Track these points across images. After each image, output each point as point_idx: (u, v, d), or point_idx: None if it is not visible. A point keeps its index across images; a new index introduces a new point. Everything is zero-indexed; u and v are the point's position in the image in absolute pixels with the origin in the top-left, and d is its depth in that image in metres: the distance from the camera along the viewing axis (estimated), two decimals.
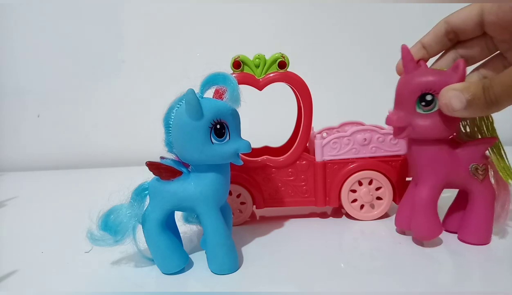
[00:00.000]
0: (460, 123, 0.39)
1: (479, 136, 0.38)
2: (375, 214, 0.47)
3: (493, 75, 0.32)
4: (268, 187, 0.47)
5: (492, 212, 0.38)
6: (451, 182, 0.38)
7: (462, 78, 0.34)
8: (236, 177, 0.46)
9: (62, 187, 0.77)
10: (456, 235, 0.40)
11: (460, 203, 0.41)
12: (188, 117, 0.33)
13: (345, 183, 0.46)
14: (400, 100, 0.38)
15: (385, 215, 0.47)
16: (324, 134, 0.53)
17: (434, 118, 0.36)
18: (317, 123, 0.49)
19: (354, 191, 0.46)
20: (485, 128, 0.38)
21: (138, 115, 0.87)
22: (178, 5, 0.86)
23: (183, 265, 0.36)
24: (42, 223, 0.54)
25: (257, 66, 0.44)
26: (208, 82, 0.35)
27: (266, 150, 0.52)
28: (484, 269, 0.34)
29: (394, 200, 0.47)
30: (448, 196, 0.42)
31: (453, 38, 0.39)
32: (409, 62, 0.37)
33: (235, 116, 0.36)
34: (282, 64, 0.43)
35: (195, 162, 0.35)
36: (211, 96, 0.37)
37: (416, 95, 0.36)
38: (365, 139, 0.45)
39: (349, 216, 0.48)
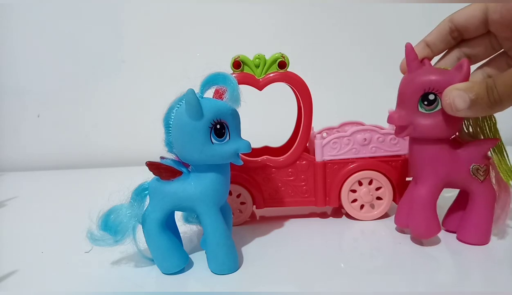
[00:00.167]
0: (463, 123, 0.39)
1: (482, 137, 0.38)
2: (375, 214, 0.47)
3: (497, 75, 0.32)
4: (268, 187, 0.47)
5: (492, 212, 0.38)
6: (451, 182, 0.38)
7: (466, 78, 0.34)
8: (236, 177, 0.46)
9: (62, 187, 0.77)
10: (455, 234, 0.40)
11: (461, 203, 0.41)
12: (188, 117, 0.33)
13: (345, 183, 0.46)
14: (402, 99, 0.38)
15: (385, 215, 0.47)
16: (324, 134, 0.53)
17: (436, 118, 0.36)
18: (317, 123, 0.49)
19: (354, 191, 0.46)
20: (487, 129, 0.38)
21: (138, 115, 0.87)
22: (178, 5, 0.86)
23: (183, 265, 0.36)
24: (42, 223, 0.54)
25: (257, 66, 0.44)
26: (208, 82, 0.35)
27: (266, 150, 0.52)
28: (484, 269, 0.34)
29: (394, 200, 0.47)
30: (449, 195, 0.42)
31: (457, 37, 0.39)
32: (413, 61, 0.37)
33: (235, 116, 0.36)
34: (282, 64, 0.43)
35: (195, 162, 0.35)
36: (211, 96, 0.37)
37: (418, 95, 0.36)
38: (365, 139, 0.45)
39: (349, 216, 0.48)
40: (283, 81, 0.44)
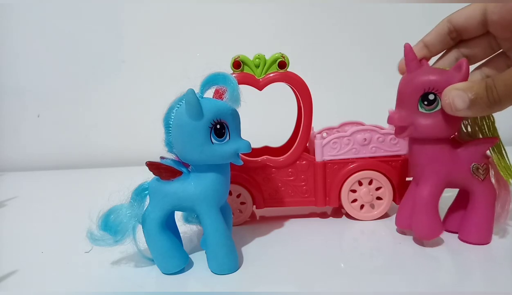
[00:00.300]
0: (462, 123, 0.39)
1: (481, 136, 0.38)
2: (375, 214, 0.47)
3: (496, 75, 0.32)
4: (268, 187, 0.47)
5: (492, 211, 0.38)
6: (452, 181, 0.38)
7: (465, 78, 0.34)
8: (236, 177, 0.46)
9: (62, 187, 0.77)
10: (456, 234, 0.40)
11: (461, 203, 0.41)
12: (188, 117, 0.33)
13: (345, 183, 0.46)
14: (402, 99, 0.38)
15: (385, 215, 0.47)
16: (324, 134, 0.53)
17: (436, 118, 0.36)
18: (317, 123, 0.49)
19: (354, 191, 0.46)
20: (486, 128, 0.38)
21: (138, 115, 0.86)
22: (178, 5, 0.86)
23: (183, 265, 0.36)
24: (42, 223, 0.54)
25: (257, 66, 0.44)
26: (208, 82, 0.35)
27: (266, 150, 0.52)
28: (484, 269, 0.34)
29: (394, 200, 0.47)
30: (448, 195, 0.42)
31: (455, 37, 0.39)
32: (412, 61, 0.37)
33: (235, 116, 0.36)
34: (282, 64, 0.43)
35: (195, 162, 0.35)
36: (211, 96, 0.37)
37: (418, 95, 0.36)
38: (365, 139, 0.45)
39: (349, 216, 0.48)
40: (283, 81, 0.44)
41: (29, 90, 0.91)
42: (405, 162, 0.46)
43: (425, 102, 0.36)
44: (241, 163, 0.36)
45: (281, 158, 0.46)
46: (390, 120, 0.38)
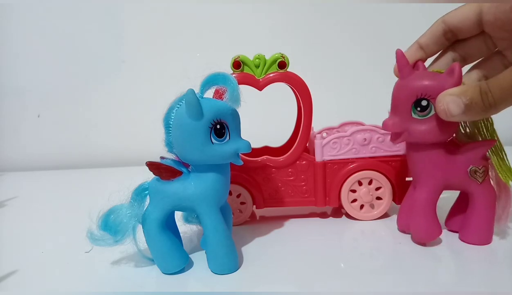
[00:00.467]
0: (460, 124, 0.38)
1: (479, 138, 0.38)
2: (375, 214, 0.47)
3: (491, 79, 0.32)
4: (268, 187, 0.47)
5: (492, 213, 0.38)
6: (450, 184, 0.38)
7: (458, 82, 0.34)
8: (236, 177, 0.46)
9: (62, 187, 0.77)
10: (457, 234, 0.40)
11: (462, 203, 0.41)
12: (188, 117, 0.33)
13: (345, 183, 0.46)
14: (396, 105, 0.38)
15: (385, 215, 0.47)
16: (324, 134, 0.53)
17: (430, 123, 0.36)
18: (317, 123, 0.49)
19: (354, 191, 0.46)
20: (485, 130, 0.38)
21: (138, 115, 0.86)
22: (178, 5, 0.86)
23: (183, 265, 0.36)
24: (42, 223, 0.54)
25: (257, 67, 0.44)
26: (208, 82, 0.35)
27: (266, 150, 0.52)
28: (484, 269, 0.34)
29: (394, 200, 0.47)
30: (449, 196, 0.42)
31: (451, 38, 0.38)
32: (404, 67, 0.37)
33: (235, 116, 0.36)
34: (282, 64, 0.43)
35: (195, 162, 0.35)
36: (211, 96, 0.37)
37: (411, 101, 0.36)
38: (365, 139, 0.45)
39: (349, 216, 0.48)
40: (283, 81, 0.44)
41: (29, 90, 0.91)
42: (405, 161, 0.46)
43: (418, 109, 0.36)
44: (241, 163, 0.36)
45: (281, 158, 0.46)
46: (384, 126, 0.38)
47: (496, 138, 0.38)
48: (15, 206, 0.63)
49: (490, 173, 0.38)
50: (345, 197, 0.46)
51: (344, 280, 0.34)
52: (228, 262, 0.36)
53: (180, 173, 0.35)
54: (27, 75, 0.91)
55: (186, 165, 0.36)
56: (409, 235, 0.41)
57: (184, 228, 0.43)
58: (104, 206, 0.35)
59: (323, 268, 0.36)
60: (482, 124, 0.38)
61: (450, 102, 0.33)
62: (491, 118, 0.38)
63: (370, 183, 0.46)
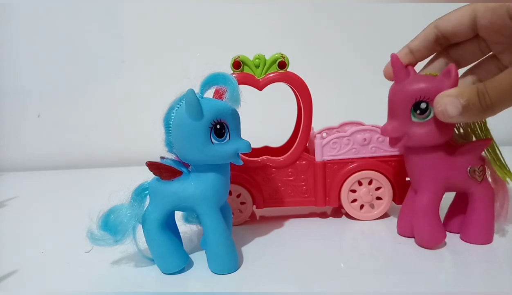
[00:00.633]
0: (455, 125, 0.39)
1: (474, 137, 0.38)
2: (375, 214, 0.47)
3: (487, 81, 0.32)
4: (268, 187, 0.47)
5: (492, 211, 0.38)
6: (450, 186, 0.38)
7: (455, 83, 0.34)
8: (236, 177, 0.46)
9: (62, 187, 0.77)
10: (456, 234, 0.40)
11: (459, 204, 0.41)
12: (188, 117, 0.33)
13: (345, 183, 0.46)
14: (393, 110, 0.37)
15: (385, 215, 0.47)
16: (324, 134, 0.53)
17: (429, 126, 0.36)
18: (317, 123, 0.49)
19: (354, 191, 0.46)
20: (478, 129, 0.38)
21: (138, 115, 0.87)
22: (178, 5, 0.86)
23: (183, 265, 0.36)
24: (42, 223, 0.54)
25: (257, 67, 0.44)
26: (208, 82, 0.35)
27: (266, 150, 0.52)
28: (484, 269, 0.34)
29: (394, 200, 0.47)
30: (445, 197, 0.42)
31: (443, 43, 0.38)
32: (400, 71, 0.37)
33: (235, 116, 0.36)
34: (282, 64, 0.43)
35: (195, 162, 0.35)
36: (211, 96, 0.37)
37: (410, 104, 0.36)
38: (365, 139, 0.45)
39: (349, 216, 0.48)
40: (283, 81, 0.44)
41: (29, 90, 0.91)
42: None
43: (418, 112, 0.36)
44: (241, 163, 0.36)
45: (281, 158, 0.46)
46: (383, 132, 0.38)
47: (490, 137, 0.38)
48: (15, 206, 0.63)
49: (487, 171, 0.38)
50: (345, 197, 0.46)
51: (344, 280, 0.34)
52: (228, 262, 0.36)
53: (180, 173, 0.35)
54: (27, 75, 0.91)
55: (186, 165, 0.36)
56: (410, 238, 0.41)
57: (184, 228, 0.43)
58: (104, 206, 0.35)
59: (323, 268, 0.36)
60: (476, 124, 0.38)
61: (448, 104, 0.33)
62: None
63: (370, 183, 0.46)
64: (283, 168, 0.46)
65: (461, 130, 0.39)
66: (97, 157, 0.93)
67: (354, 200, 0.47)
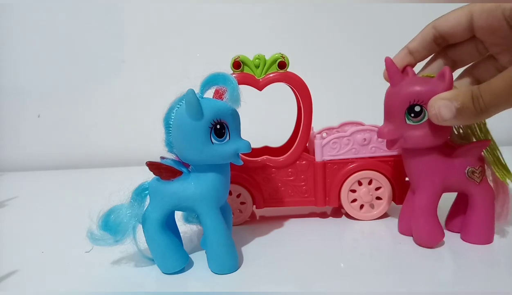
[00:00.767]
0: (454, 126, 0.39)
1: (473, 138, 0.38)
2: (375, 214, 0.47)
3: (482, 84, 0.32)
4: (268, 187, 0.47)
5: (492, 212, 0.38)
6: (449, 187, 0.38)
7: (450, 86, 0.34)
8: (236, 177, 0.46)
9: (62, 187, 0.77)
10: (457, 234, 0.40)
11: (461, 203, 0.41)
12: (188, 117, 0.33)
13: (345, 183, 0.46)
14: (389, 112, 0.38)
15: (385, 215, 0.47)
16: (324, 134, 0.53)
17: (424, 128, 0.36)
18: (317, 123, 0.49)
19: (353, 191, 0.46)
20: (478, 130, 0.38)
21: (138, 115, 0.86)
22: (178, 5, 0.86)
23: (183, 265, 0.36)
24: (42, 223, 0.54)
25: (257, 67, 0.44)
26: (208, 82, 0.35)
27: (266, 150, 0.52)
28: (484, 269, 0.34)
29: (393, 199, 0.47)
30: (448, 197, 0.42)
31: (441, 43, 0.38)
32: (395, 74, 0.37)
33: (235, 116, 0.36)
34: (282, 65, 0.43)
35: (195, 162, 0.35)
36: (211, 97, 0.37)
37: (404, 108, 0.36)
38: (364, 139, 0.45)
39: (349, 216, 0.48)
40: (283, 82, 0.44)
41: (29, 90, 0.91)
42: None
43: (412, 115, 0.36)
44: (241, 163, 0.36)
45: (281, 158, 0.46)
46: (379, 135, 0.38)
47: (490, 138, 0.38)
48: (15, 206, 0.63)
49: (486, 172, 0.38)
50: (345, 197, 0.46)
51: (344, 280, 0.34)
52: (228, 262, 0.36)
53: (180, 173, 0.35)
54: (27, 75, 0.91)
55: (186, 165, 0.36)
56: (409, 235, 0.41)
57: (184, 228, 0.43)
58: (104, 206, 0.35)
59: (323, 268, 0.36)
60: (475, 124, 0.38)
61: (441, 107, 0.33)
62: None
63: (370, 183, 0.46)
64: (283, 168, 0.46)
65: (461, 131, 0.39)
66: (97, 157, 0.93)
67: (354, 200, 0.47)
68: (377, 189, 0.46)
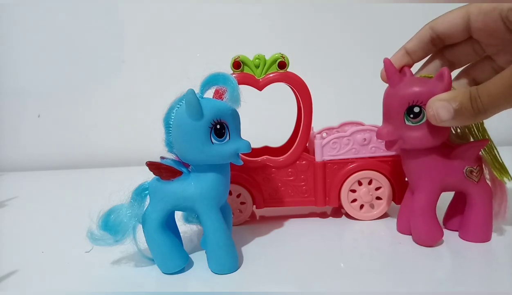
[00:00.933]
0: (450, 127, 0.39)
1: (471, 138, 0.39)
2: (375, 214, 0.47)
3: (480, 85, 0.32)
4: (268, 187, 0.47)
5: (490, 210, 0.38)
6: (447, 186, 0.38)
7: (448, 87, 0.34)
8: (236, 177, 0.46)
9: (62, 187, 0.77)
10: (455, 233, 0.41)
11: (459, 202, 0.41)
12: (188, 117, 0.33)
13: (345, 183, 0.46)
14: (388, 113, 0.38)
15: (385, 215, 0.47)
16: (324, 134, 0.53)
17: (423, 129, 0.36)
18: (317, 123, 0.49)
19: (353, 191, 0.46)
20: (475, 130, 0.38)
21: (138, 115, 0.86)
22: (178, 5, 0.86)
23: (183, 265, 0.36)
24: (42, 223, 0.54)
25: (257, 67, 0.44)
26: (208, 82, 0.35)
27: (266, 150, 0.52)
28: (484, 268, 0.34)
29: (393, 199, 0.47)
30: (445, 195, 0.42)
31: (438, 44, 0.38)
32: (393, 75, 0.37)
33: (235, 116, 0.36)
34: (282, 65, 0.43)
35: (195, 162, 0.35)
36: (211, 97, 0.37)
37: (403, 109, 0.36)
38: (364, 139, 0.45)
39: (349, 216, 0.48)
40: (283, 82, 0.44)
41: (29, 90, 0.91)
42: None
43: (411, 116, 0.36)
44: (241, 163, 0.36)
45: (281, 158, 0.46)
46: (378, 136, 0.38)
47: (487, 137, 0.38)
48: (15, 206, 0.63)
49: (484, 171, 0.39)
50: (345, 197, 0.47)
51: (344, 280, 0.34)
52: (228, 262, 0.36)
53: (180, 173, 0.35)
54: (27, 75, 0.91)
55: (186, 165, 0.36)
56: (409, 235, 0.41)
57: (184, 228, 0.43)
58: (104, 206, 0.35)
59: (323, 268, 0.36)
60: (473, 124, 0.38)
61: (440, 108, 0.33)
62: None
63: (370, 182, 0.46)
64: (283, 168, 0.46)
65: (459, 131, 0.39)
66: (97, 157, 0.93)
67: (354, 200, 0.47)
68: (377, 189, 0.46)
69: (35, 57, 0.89)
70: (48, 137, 0.93)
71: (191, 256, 0.39)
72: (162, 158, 0.37)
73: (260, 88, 0.44)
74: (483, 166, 0.38)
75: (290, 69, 0.44)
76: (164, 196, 0.35)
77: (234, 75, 0.43)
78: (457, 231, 0.41)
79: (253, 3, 0.85)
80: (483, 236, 0.39)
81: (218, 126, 0.34)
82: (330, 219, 0.48)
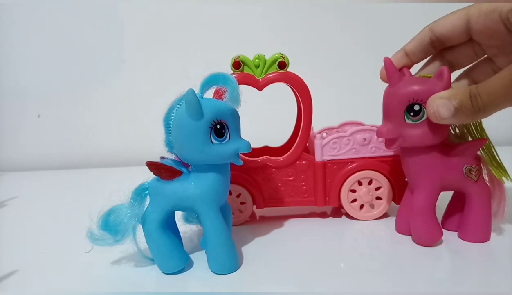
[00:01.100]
0: (450, 125, 0.39)
1: (469, 137, 0.39)
2: (375, 214, 0.47)
3: (480, 83, 0.32)
4: (268, 187, 0.47)
5: (489, 210, 0.39)
6: (446, 185, 0.38)
7: (448, 86, 0.35)
8: (236, 177, 0.46)
9: (62, 187, 0.77)
10: (455, 233, 0.41)
11: (457, 202, 0.41)
12: (188, 117, 0.33)
13: (345, 183, 0.46)
14: (388, 112, 0.38)
15: (385, 215, 0.47)
16: (324, 134, 0.53)
17: (423, 127, 0.36)
18: (317, 123, 0.49)
19: (353, 191, 0.46)
20: (474, 129, 0.39)
21: (138, 115, 0.87)
22: (178, 5, 0.86)
23: (183, 265, 0.36)
24: (42, 223, 0.54)
25: (257, 67, 0.44)
26: (208, 82, 0.35)
27: (266, 150, 0.52)
28: (484, 268, 0.34)
29: (393, 199, 0.47)
30: (444, 195, 0.42)
31: (438, 46, 0.38)
32: (394, 74, 0.37)
33: (235, 116, 0.36)
34: (282, 65, 0.43)
35: (195, 162, 0.35)
36: (211, 97, 0.37)
37: (403, 107, 0.36)
38: (364, 139, 0.45)
39: (349, 216, 0.48)
40: (283, 82, 0.44)
41: (29, 90, 0.91)
42: None
43: (411, 114, 0.36)
44: (241, 163, 0.36)
45: (281, 158, 0.46)
46: (378, 134, 0.38)
47: (485, 136, 0.38)
48: (15, 206, 0.63)
49: (483, 170, 0.39)
50: (345, 197, 0.47)
51: (344, 280, 0.34)
52: (228, 262, 0.36)
53: (180, 173, 0.35)
54: (27, 75, 0.91)
55: (186, 165, 0.36)
56: (409, 235, 0.41)
57: (184, 228, 0.43)
58: (104, 206, 0.35)
59: (323, 268, 0.36)
60: (471, 123, 0.38)
61: (440, 106, 0.33)
62: None
63: (370, 182, 0.46)
64: (283, 168, 0.46)
65: (457, 130, 0.40)
66: (97, 157, 0.93)
67: (354, 200, 0.47)
68: (377, 189, 0.46)
69: (35, 57, 0.90)
70: (48, 137, 0.93)
71: (191, 256, 0.39)
72: (162, 158, 0.37)
73: (260, 88, 0.44)
74: (482, 166, 0.38)
75: (290, 69, 0.44)
76: (164, 196, 0.35)
77: (234, 75, 0.43)
78: (455, 231, 0.41)
79: (253, 3, 0.85)
80: (483, 236, 0.39)
81: (218, 126, 0.34)
82: (330, 219, 0.48)
